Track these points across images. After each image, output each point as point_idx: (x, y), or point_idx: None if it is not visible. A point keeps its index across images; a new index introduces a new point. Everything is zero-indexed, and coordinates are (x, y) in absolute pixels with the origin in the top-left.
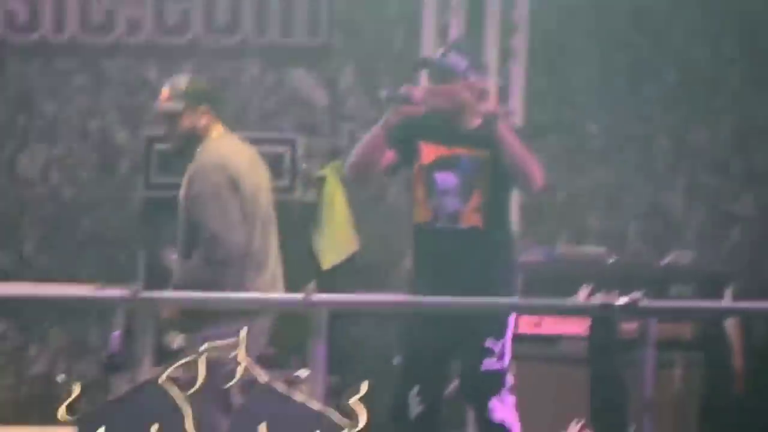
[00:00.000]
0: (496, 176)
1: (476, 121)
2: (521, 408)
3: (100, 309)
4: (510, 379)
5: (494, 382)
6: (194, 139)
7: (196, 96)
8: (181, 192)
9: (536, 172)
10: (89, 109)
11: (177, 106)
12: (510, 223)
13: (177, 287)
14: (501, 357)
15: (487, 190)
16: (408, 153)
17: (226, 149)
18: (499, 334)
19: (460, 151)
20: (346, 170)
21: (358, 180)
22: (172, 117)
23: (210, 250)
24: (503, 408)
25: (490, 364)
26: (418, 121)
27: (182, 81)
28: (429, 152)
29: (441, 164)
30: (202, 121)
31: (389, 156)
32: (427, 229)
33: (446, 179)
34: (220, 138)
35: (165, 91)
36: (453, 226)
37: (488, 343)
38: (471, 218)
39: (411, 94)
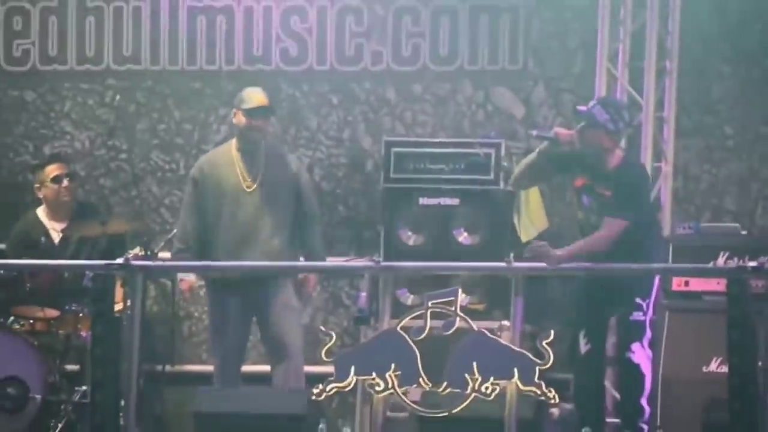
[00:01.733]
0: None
1: (614, 163)
2: (677, 348)
3: (351, 275)
4: (649, 333)
5: (639, 331)
6: None
7: None
8: None
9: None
10: (341, 122)
11: None
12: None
13: None
14: (646, 312)
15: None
16: (568, 170)
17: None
18: (646, 294)
19: (594, 184)
20: (510, 181)
21: (516, 188)
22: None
23: None
24: (642, 353)
25: (638, 316)
26: (567, 156)
27: None
28: (578, 180)
29: (584, 189)
30: None
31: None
32: (583, 224)
33: (587, 200)
34: None
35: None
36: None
37: (637, 299)
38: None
39: (558, 134)
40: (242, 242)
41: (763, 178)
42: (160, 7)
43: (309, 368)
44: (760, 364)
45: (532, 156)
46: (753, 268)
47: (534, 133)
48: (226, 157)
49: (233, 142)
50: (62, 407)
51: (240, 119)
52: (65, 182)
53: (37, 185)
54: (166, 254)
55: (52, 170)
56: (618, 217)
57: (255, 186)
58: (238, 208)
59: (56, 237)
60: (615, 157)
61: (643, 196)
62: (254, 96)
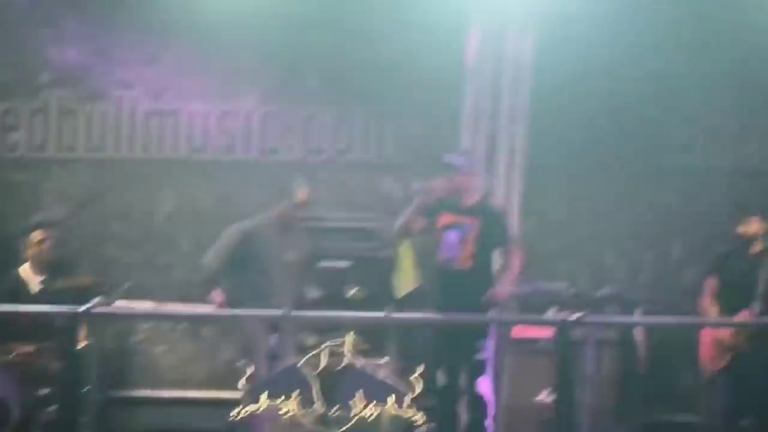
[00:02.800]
0: (481, 236)
1: (472, 199)
2: (515, 382)
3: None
4: (490, 368)
5: (481, 368)
6: None
7: None
8: None
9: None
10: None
11: None
12: (491, 265)
13: None
14: (486, 351)
15: (474, 242)
16: (433, 219)
17: None
18: (485, 337)
19: (460, 218)
20: (394, 233)
21: (400, 238)
22: None
23: None
24: (484, 385)
25: (479, 355)
26: (438, 204)
27: None
28: (444, 218)
29: (449, 226)
30: None
31: (421, 222)
32: (439, 268)
33: (451, 235)
34: None
35: None
36: (453, 267)
37: (478, 341)
38: (464, 262)
39: (433, 186)
40: None
41: (585, 251)
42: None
43: (228, 394)
44: (579, 394)
45: (410, 208)
46: (574, 320)
47: (414, 186)
48: None
49: None
50: (36, 423)
51: None
52: (44, 247)
53: (27, 246)
54: (122, 303)
55: (36, 236)
56: (512, 242)
57: None
58: None
59: (35, 288)
60: (474, 195)
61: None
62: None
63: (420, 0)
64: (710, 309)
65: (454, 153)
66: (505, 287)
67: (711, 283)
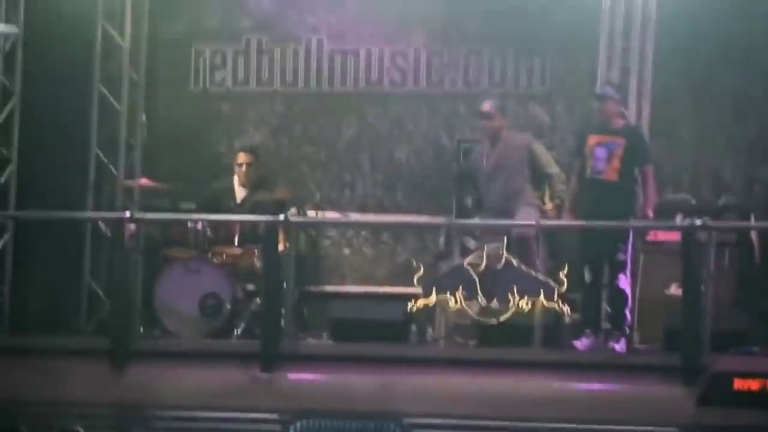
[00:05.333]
0: (627, 153)
1: (619, 123)
2: (648, 278)
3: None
4: (630, 266)
5: (623, 266)
6: None
7: None
8: None
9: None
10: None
11: None
12: (635, 179)
13: None
14: (625, 252)
15: (621, 160)
16: (583, 144)
17: None
18: (625, 242)
19: (609, 138)
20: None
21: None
22: None
23: None
24: (625, 281)
25: (621, 255)
26: (588, 127)
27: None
28: (593, 139)
29: (598, 144)
30: None
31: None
32: (589, 180)
33: (600, 151)
34: None
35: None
36: (601, 178)
37: (620, 244)
38: (611, 175)
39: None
40: None
41: (707, 166)
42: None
43: (405, 289)
44: (703, 288)
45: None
46: (700, 225)
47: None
48: None
49: None
50: (244, 313)
51: None
52: (244, 168)
53: (234, 165)
54: (312, 213)
55: (240, 158)
56: (650, 162)
57: None
58: None
59: (239, 199)
60: (620, 120)
61: None
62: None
63: None
64: None
65: (604, 84)
66: (649, 208)
67: None
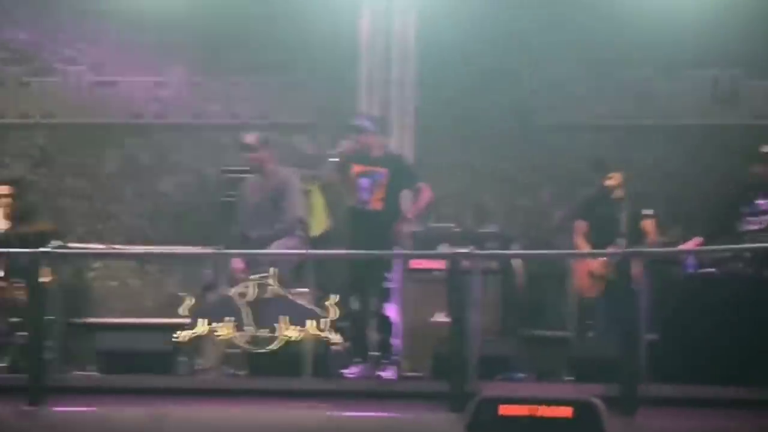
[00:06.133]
0: (390, 182)
1: (379, 152)
2: (415, 306)
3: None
4: (395, 294)
5: (389, 293)
6: None
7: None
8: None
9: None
10: None
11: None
12: (398, 208)
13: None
14: (392, 280)
15: (385, 189)
16: (346, 170)
17: None
18: (391, 270)
19: (371, 168)
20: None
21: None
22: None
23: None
24: (391, 308)
25: (388, 284)
26: (350, 156)
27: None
28: (355, 168)
29: (362, 174)
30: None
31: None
32: (353, 209)
33: (364, 181)
34: None
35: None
36: (366, 208)
37: (386, 274)
38: (375, 204)
39: (344, 147)
40: None
41: (471, 195)
42: None
43: (172, 320)
44: (468, 315)
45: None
46: (463, 253)
47: (330, 154)
48: None
49: None
50: (9, 347)
51: None
52: (6, 200)
53: None
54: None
55: (2, 190)
56: (417, 183)
57: None
58: None
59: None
60: (378, 148)
61: None
62: None
63: None
64: (582, 245)
65: (359, 116)
66: (407, 220)
67: (580, 225)
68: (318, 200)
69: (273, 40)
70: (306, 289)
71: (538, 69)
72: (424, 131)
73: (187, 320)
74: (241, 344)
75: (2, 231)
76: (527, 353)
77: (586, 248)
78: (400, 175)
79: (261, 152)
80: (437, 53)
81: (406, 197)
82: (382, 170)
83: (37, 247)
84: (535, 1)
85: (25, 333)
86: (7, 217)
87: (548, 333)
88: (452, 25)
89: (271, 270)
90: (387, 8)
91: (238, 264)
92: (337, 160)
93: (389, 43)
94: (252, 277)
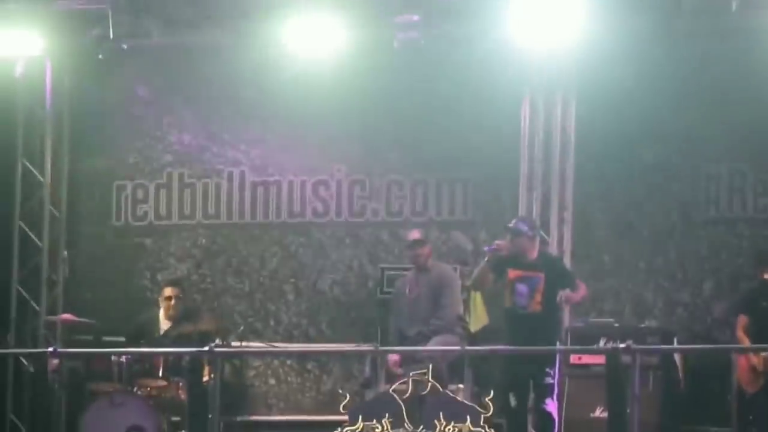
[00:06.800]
0: (547, 286)
1: (534, 255)
2: (574, 401)
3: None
4: (556, 390)
5: (550, 390)
6: None
7: None
8: None
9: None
10: (351, 256)
11: None
12: (557, 308)
13: None
14: (553, 376)
15: (542, 293)
16: (502, 273)
17: None
18: (553, 365)
19: (528, 273)
20: (470, 285)
21: (476, 289)
22: None
23: None
24: (552, 405)
25: (548, 380)
26: (505, 258)
27: None
28: (512, 273)
29: (518, 279)
30: None
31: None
32: (511, 311)
33: (521, 287)
34: None
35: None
36: (525, 311)
37: (547, 369)
38: (534, 307)
39: (498, 245)
40: None
41: (629, 291)
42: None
43: (331, 417)
44: (628, 410)
45: (482, 262)
46: (623, 348)
47: (486, 248)
48: None
49: None
50: None
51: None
52: (173, 302)
53: (160, 298)
54: (236, 343)
55: (167, 292)
56: (574, 282)
57: None
58: None
59: (163, 331)
60: (534, 252)
61: None
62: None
63: (479, 81)
64: (743, 340)
65: (516, 219)
66: (572, 295)
67: (742, 320)
68: (477, 296)
69: (432, 137)
70: (463, 386)
71: (699, 163)
72: (584, 226)
73: (346, 417)
74: None
75: (164, 331)
76: None
77: (746, 342)
78: (558, 278)
79: (425, 248)
80: (597, 146)
81: None
82: (539, 275)
83: (199, 347)
84: (698, 95)
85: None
86: (169, 317)
87: (711, 429)
88: (612, 118)
89: (429, 366)
90: (547, 102)
91: (393, 358)
92: (487, 255)
93: (549, 137)
94: (410, 373)
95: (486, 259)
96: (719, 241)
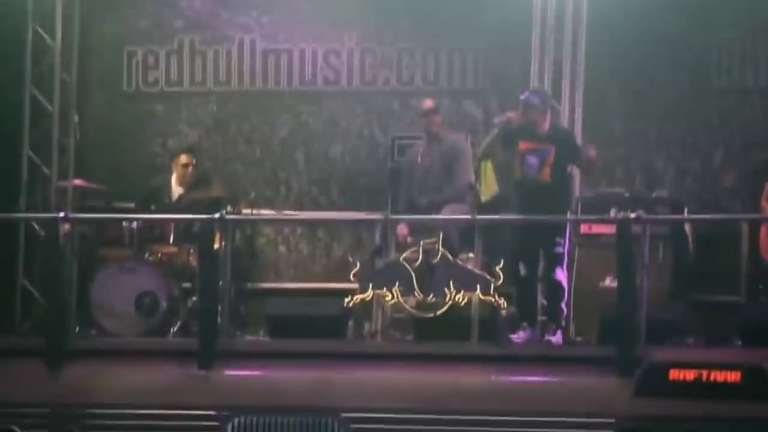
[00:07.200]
0: (557, 158)
1: (545, 127)
2: (583, 271)
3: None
4: (566, 260)
5: (559, 259)
6: None
7: None
8: None
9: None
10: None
11: None
12: (566, 179)
13: None
14: (563, 245)
15: (553, 164)
16: (512, 145)
17: None
18: (563, 234)
19: (538, 145)
20: (479, 155)
21: (485, 159)
22: None
23: None
24: (562, 274)
25: (558, 249)
26: (516, 130)
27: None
28: (522, 145)
29: (529, 151)
30: None
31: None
32: (521, 182)
33: (531, 159)
34: None
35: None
36: (535, 182)
37: (557, 238)
38: (544, 178)
39: (509, 117)
40: None
41: (640, 160)
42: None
43: (341, 285)
44: (638, 280)
45: (492, 133)
46: (633, 218)
47: (495, 120)
48: None
49: None
50: (181, 312)
51: None
52: (190, 169)
53: (174, 165)
54: (247, 210)
55: (182, 159)
56: (583, 158)
57: None
58: None
59: (175, 198)
60: (546, 124)
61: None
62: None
63: None
64: (766, 207)
65: (528, 92)
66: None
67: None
68: (488, 165)
69: (442, 5)
70: (473, 255)
71: (710, 31)
72: (595, 95)
73: (356, 285)
74: (409, 309)
75: (176, 197)
76: (697, 318)
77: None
78: (568, 152)
79: (438, 117)
80: (608, 17)
81: None
82: (550, 147)
83: (210, 214)
84: None
85: (197, 298)
86: (183, 183)
87: (719, 298)
88: None
89: (440, 235)
90: None
91: (402, 230)
92: (498, 127)
93: (562, 5)
94: (420, 242)
95: (497, 129)
96: (730, 111)
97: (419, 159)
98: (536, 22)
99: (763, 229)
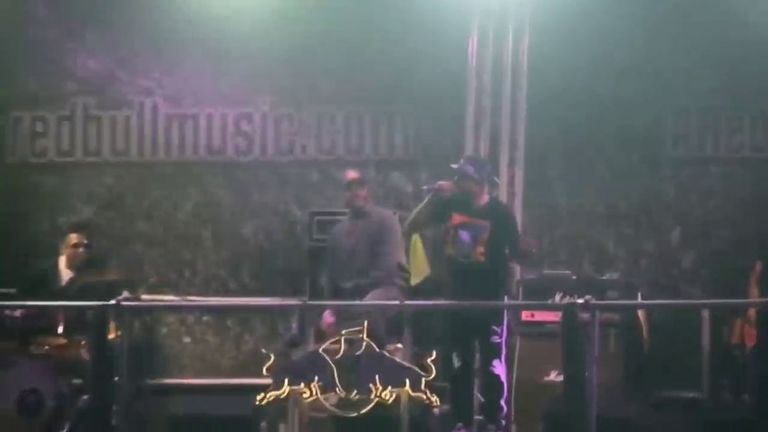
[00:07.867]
0: (492, 237)
1: (482, 201)
2: (525, 363)
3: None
4: (504, 351)
5: (497, 350)
6: None
7: None
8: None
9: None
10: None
11: None
12: (504, 259)
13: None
14: (501, 335)
15: (487, 242)
16: (444, 217)
17: None
18: (500, 323)
19: (472, 220)
20: (406, 226)
21: (414, 231)
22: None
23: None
24: (500, 367)
25: (495, 339)
26: (450, 200)
27: None
28: (456, 218)
29: (462, 226)
30: None
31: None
32: (454, 260)
33: (464, 234)
34: None
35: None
36: (468, 261)
37: (494, 327)
38: (478, 257)
39: (441, 186)
40: None
41: (587, 238)
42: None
43: (253, 380)
44: (586, 373)
45: (422, 204)
46: (581, 303)
47: (425, 188)
48: None
49: None
50: (70, 411)
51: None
52: (80, 249)
53: (63, 245)
54: (147, 296)
55: (73, 238)
56: (520, 240)
57: None
58: None
59: (64, 282)
60: (483, 197)
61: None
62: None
63: (424, 5)
64: (753, 290)
65: (462, 160)
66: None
67: (758, 267)
68: (418, 243)
69: (369, 67)
70: (401, 345)
71: (665, 97)
72: (536, 165)
73: (270, 381)
74: (330, 408)
75: (65, 282)
76: (653, 417)
77: (755, 295)
78: (505, 231)
79: (363, 190)
80: (550, 78)
81: None
82: (485, 223)
83: (104, 300)
84: (664, 23)
85: (89, 396)
86: (73, 266)
87: (678, 394)
88: (568, 50)
89: (365, 323)
90: (498, 32)
91: (329, 318)
92: (427, 195)
93: (500, 70)
94: (343, 331)
95: (427, 198)
96: (688, 183)
97: (343, 237)
98: (471, 84)
99: (751, 312)
